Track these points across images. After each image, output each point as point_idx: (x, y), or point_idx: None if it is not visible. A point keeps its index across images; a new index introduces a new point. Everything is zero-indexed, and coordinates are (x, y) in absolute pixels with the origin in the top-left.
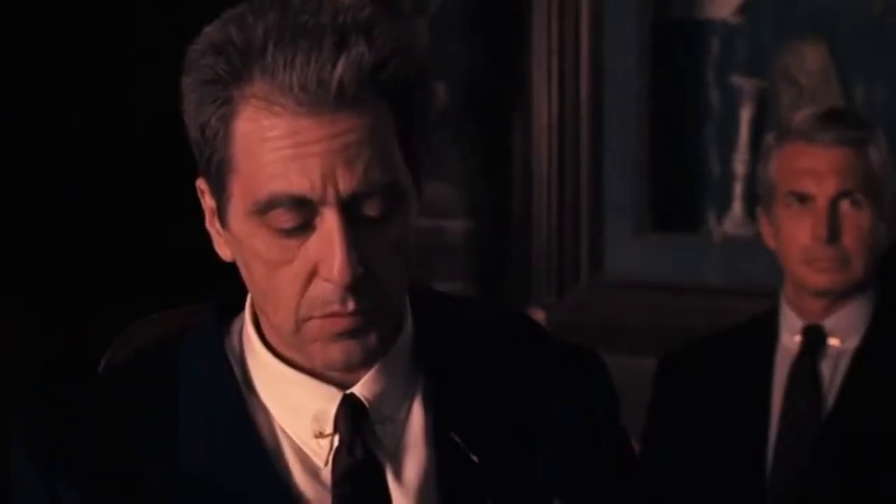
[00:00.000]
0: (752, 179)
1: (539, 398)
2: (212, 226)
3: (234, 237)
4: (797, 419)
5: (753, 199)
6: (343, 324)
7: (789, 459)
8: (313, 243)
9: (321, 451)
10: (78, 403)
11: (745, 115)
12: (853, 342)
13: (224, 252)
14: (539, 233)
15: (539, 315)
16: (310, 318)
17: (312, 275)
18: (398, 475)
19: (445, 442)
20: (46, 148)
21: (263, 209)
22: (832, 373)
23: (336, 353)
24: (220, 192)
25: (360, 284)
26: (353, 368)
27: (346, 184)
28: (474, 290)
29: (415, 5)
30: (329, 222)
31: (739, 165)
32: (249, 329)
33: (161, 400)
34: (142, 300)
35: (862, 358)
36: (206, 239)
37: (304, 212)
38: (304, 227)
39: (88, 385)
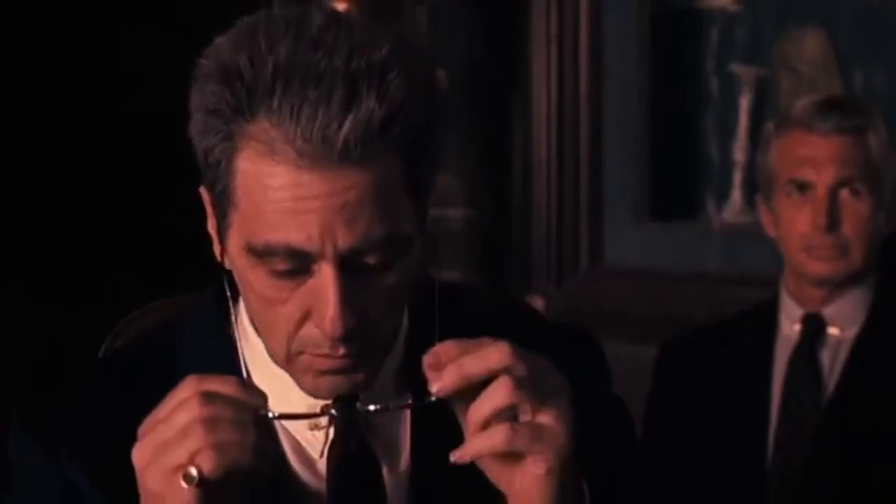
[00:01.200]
0: (751, 167)
1: None
2: (212, 229)
3: (231, 261)
4: (797, 407)
5: (753, 188)
6: (332, 363)
7: (789, 447)
8: (308, 289)
9: (316, 443)
10: (79, 386)
11: (745, 103)
12: (853, 331)
13: (220, 258)
14: (538, 221)
15: (538, 303)
16: (301, 353)
17: (305, 318)
18: (394, 466)
19: (433, 428)
20: (46, 140)
21: (260, 253)
22: (832, 361)
23: (324, 385)
24: (220, 217)
25: (352, 332)
26: (341, 392)
27: (345, 240)
28: (474, 279)
29: None
30: (325, 275)
31: (739, 153)
32: (245, 321)
33: (162, 383)
34: (142, 289)
35: (861, 346)
36: (206, 228)
37: (300, 260)
38: (301, 271)
39: (89, 369)
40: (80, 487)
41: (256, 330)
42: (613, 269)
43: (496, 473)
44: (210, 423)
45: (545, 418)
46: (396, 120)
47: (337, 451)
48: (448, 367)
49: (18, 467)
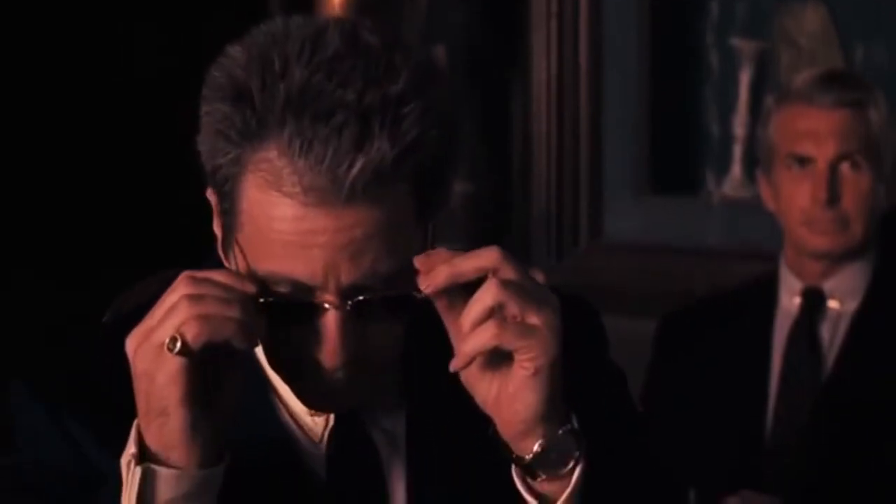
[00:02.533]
0: (751, 141)
1: None
2: (218, 230)
3: (234, 268)
4: (796, 381)
5: (753, 162)
6: (331, 386)
7: (788, 421)
8: (311, 319)
9: (316, 429)
10: (81, 347)
11: (745, 77)
12: (853, 304)
13: (225, 263)
14: (538, 196)
15: (539, 277)
16: (300, 373)
17: (306, 342)
18: (393, 452)
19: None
20: (48, 120)
21: (262, 282)
22: (831, 335)
23: (318, 403)
24: (226, 231)
25: (352, 363)
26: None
27: (348, 276)
28: None
29: None
30: (327, 316)
31: (739, 127)
32: None
33: None
34: (143, 268)
35: (861, 320)
36: (208, 206)
37: (303, 291)
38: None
39: (91, 331)
40: (83, 445)
41: None
42: (613, 244)
43: (483, 385)
44: (195, 299)
45: (533, 319)
46: (409, 157)
47: (336, 440)
48: (439, 266)
49: (20, 427)
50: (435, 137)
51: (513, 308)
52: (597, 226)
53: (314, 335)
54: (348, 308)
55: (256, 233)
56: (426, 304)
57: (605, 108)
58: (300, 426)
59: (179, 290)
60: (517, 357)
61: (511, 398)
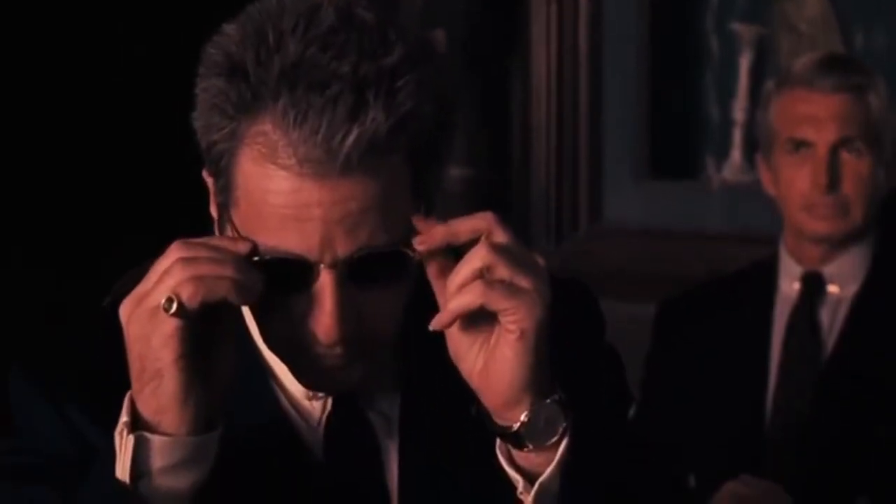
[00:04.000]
0: (751, 126)
1: None
2: (214, 209)
3: None
4: (796, 366)
5: (753, 146)
6: (328, 363)
7: (788, 406)
8: (307, 291)
9: (314, 412)
10: (80, 331)
11: (745, 62)
12: (852, 289)
13: None
14: (538, 180)
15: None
16: (298, 350)
17: (303, 317)
18: (392, 437)
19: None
20: (46, 103)
21: (259, 261)
22: (831, 320)
23: (317, 381)
24: (222, 209)
25: (349, 337)
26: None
27: (345, 249)
28: None
29: None
30: (323, 283)
31: (739, 112)
32: None
33: None
34: (143, 254)
35: (861, 305)
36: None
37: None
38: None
39: (90, 316)
40: (82, 428)
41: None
42: (613, 229)
43: (470, 356)
44: (188, 261)
45: (521, 281)
46: (404, 128)
47: (334, 424)
48: (436, 226)
49: (19, 410)
50: (430, 110)
51: (501, 270)
52: (596, 210)
53: (311, 304)
54: (343, 270)
55: (252, 207)
56: (421, 272)
57: (605, 93)
58: (298, 411)
59: (172, 254)
60: (503, 320)
61: (498, 365)
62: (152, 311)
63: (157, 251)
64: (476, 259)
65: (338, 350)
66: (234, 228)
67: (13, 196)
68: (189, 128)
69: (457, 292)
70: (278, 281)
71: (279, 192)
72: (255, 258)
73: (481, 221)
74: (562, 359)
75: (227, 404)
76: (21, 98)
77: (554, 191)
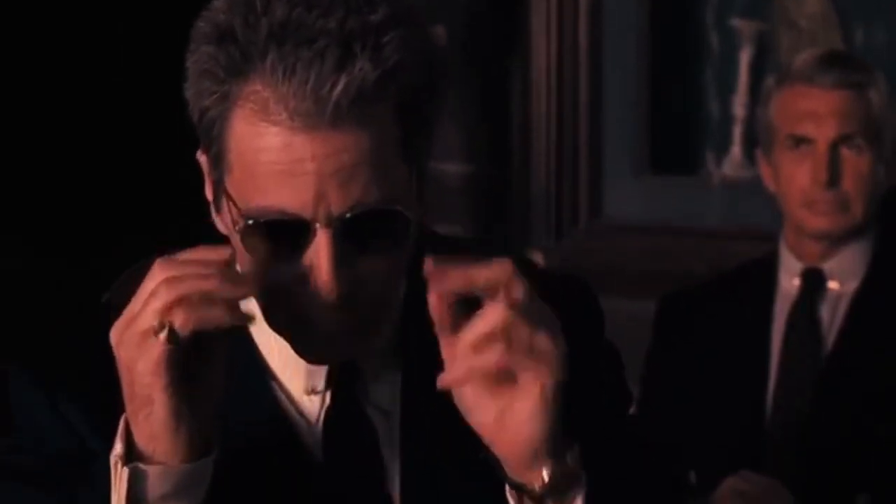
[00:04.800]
0: (751, 122)
1: None
2: (210, 195)
3: (227, 227)
4: (796, 361)
5: (753, 142)
6: (328, 329)
7: (788, 402)
8: (303, 258)
9: (312, 408)
10: (80, 332)
11: (745, 57)
12: (852, 285)
13: (220, 226)
14: (538, 176)
15: (538, 258)
16: (297, 319)
17: (300, 282)
18: (392, 433)
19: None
20: (49, 94)
21: (255, 223)
22: (831, 316)
23: (322, 353)
24: (216, 182)
25: (347, 301)
26: (335, 361)
27: (339, 205)
28: (473, 234)
29: None
30: (319, 241)
31: (739, 108)
32: None
33: None
34: (146, 246)
35: (861, 301)
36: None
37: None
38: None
39: (90, 316)
40: (81, 428)
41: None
42: (613, 224)
43: (481, 407)
44: (174, 281)
45: (541, 342)
46: (391, 80)
47: (332, 419)
48: (452, 270)
49: (18, 410)
50: (416, 67)
51: (521, 331)
52: (596, 206)
53: (308, 266)
54: (339, 228)
55: (245, 170)
56: (418, 268)
57: (605, 89)
58: (296, 408)
59: (157, 274)
60: (522, 379)
61: (516, 423)
62: (141, 336)
63: (157, 250)
64: (495, 318)
65: (336, 314)
66: (230, 199)
67: (13, 194)
68: (190, 127)
69: (472, 350)
70: (275, 244)
71: (271, 149)
72: (250, 221)
73: (500, 273)
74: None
75: (225, 405)
76: (21, 97)
77: (554, 187)
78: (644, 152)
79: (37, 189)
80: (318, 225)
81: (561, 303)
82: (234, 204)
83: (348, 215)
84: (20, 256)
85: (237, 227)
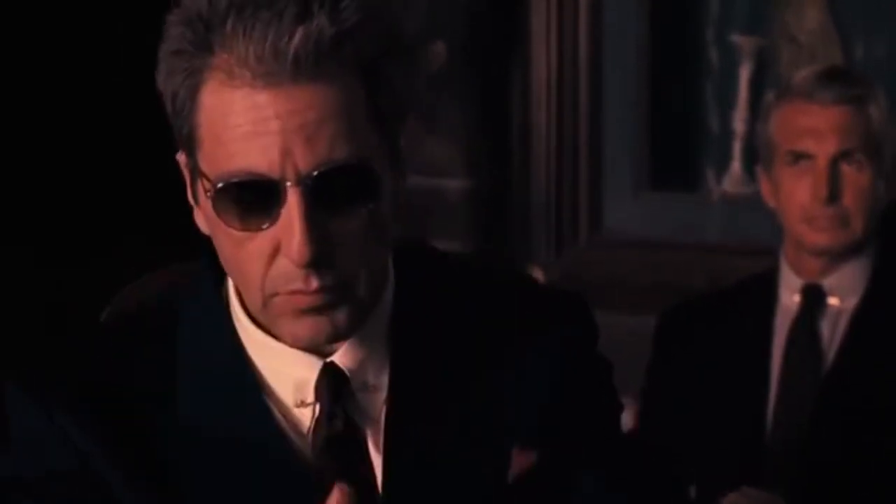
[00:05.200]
0: (751, 138)
1: (515, 344)
2: (192, 199)
3: (204, 211)
4: (797, 377)
5: (753, 158)
6: (307, 301)
7: (789, 418)
8: (276, 221)
9: (303, 420)
10: (79, 347)
11: (745, 73)
12: (852, 301)
13: (202, 225)
14: (538, 191)
15: (538, 273)
16: (275, 294)
17: (276, 252)
18: (381, 443)
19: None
20: (50, 103)
21: (225, 186)
22: (831, 332)
23: (302, 329)
24: (191, 167)
25: (323, 262)
26: (322, 346)
27: (306, 162)
28: (473, 249)
29: None
30: (290, 201)
31: (739, 123)
32: (233, 299)
33: (160, 352)
34: (145, 256)
35: (861, 317)
36: None
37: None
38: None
39: (89, 331)
40: (81, 446)
41: (243, 304)
42: (613, 239)
43: None
44: None
45: None
46: (349, 40)
47: (322, 430)
48: None
49: (17, 425)
50: (374, 30)
51: None
52: (596, 221)
53: (283, 234)
54: (309, 187)
55: (214, 139)
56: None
57: (605, 103)
58: (287, 419)
59: None
60: None
61: None
62: None
63: (156, 255)
64: None
65: (314, 283)
66: (203, 177)
67: (11, 199)
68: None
69: None
70: (246, 206)
71: (237, 112)
72: (220, 185)
73: None
74: (552, 375)
75: (228, 406)
76: (21, 100)
77: (554, 201)
78: (644, 167)
79: (37, 202)
80: (287, 183)
81: (555, 317)
82: (207, 178)
83: (316, 172)
84: (19, 261)
85: (209, 195)
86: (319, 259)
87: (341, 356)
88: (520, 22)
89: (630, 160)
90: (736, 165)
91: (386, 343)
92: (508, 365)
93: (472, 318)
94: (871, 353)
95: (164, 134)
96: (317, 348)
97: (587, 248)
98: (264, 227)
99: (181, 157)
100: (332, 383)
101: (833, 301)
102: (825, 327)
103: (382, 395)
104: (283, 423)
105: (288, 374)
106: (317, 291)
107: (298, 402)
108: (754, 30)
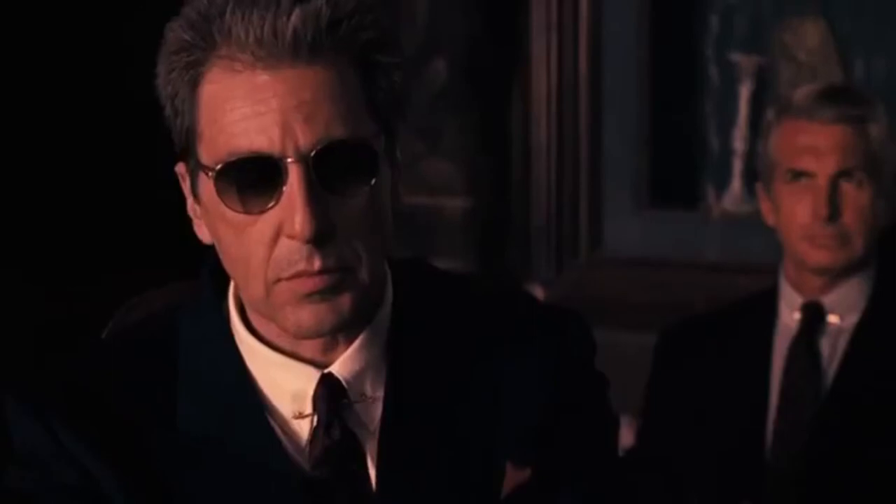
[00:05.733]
0: (751, 156)
1: (512, 358)
2: (192, 211)
3: (205, 209)
4: (796, 395)
5: (753, 176)
6: (311, 284)
7: (789, 436)
8: (277, 200)
9: (301, 432)
10: (78, 363)
11: (745, 91)
12: (852, 319)
13: (203, 234)
14: (538, 209)
15: (538, 291)
16: (278, 281)
17: (278, 235)
18: (378, 454)
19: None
20: (44, 124)
21: (226, 165)
22: (831, 350)
23: (306, 316)
24: (191, 163)
25: (326, 242)
26: (326, 335)
27: (306, 139)
28: (474, 267)
29: None
30: (291, 178)
31: (739, 142)
32: (233, 311)
33: (160, 367)
34: (141, 274)
35: (861, 335)
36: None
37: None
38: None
39: (89, 347)
40: (82, 460)
41: (243, 317)
42: (613, 258)
43: None
44: None
45: None
46: (345, 23)
47: (319, 441)
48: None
49: (17, 441)
50: (368, 21)
51: None
52: (596, 239)
53: (285, 215)
54: (309, 164)
55: (215, 126)
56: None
57: (605, 121)
58: (285, 431)
59: None
60: None
61: None
62: None
63: (155, 273)
64: None
65: (317, 262)
66: (204, 170)
67: (14, 212)
68: None
69: None
70: (248, 188)
71: (238, 97)
72: (219, 166)
73: None
74: (549, 390)
75: (229, 418)
76: (20, 115)
77: (554, 220)
78: (644, 186)
79: (32, 212)
80: (288, 160)
81: (553, 332)
82: (207, 168)
83: (316, 149)
84: (10, 277)
85: (210, 177)
86: (321, 236)
87: (339, 367)
88: (520, 41)
89: (630, 178)
90: (736, 183)
91: (383, 355)
92: (506, 379)
93: (470, 332)
94: (870, 371)
95: (161, 152)
96: (315, 359)
97: (587, 266)
98: (268, 206)
99: (180, 168)
100: (329, 394)
101: (833, 319)
102: (825, 345)
103: (380, 406)
104: (282, 437)
105: (285, 386)
106: (320, 273)
107: (296, 413)
108: (754, 48)
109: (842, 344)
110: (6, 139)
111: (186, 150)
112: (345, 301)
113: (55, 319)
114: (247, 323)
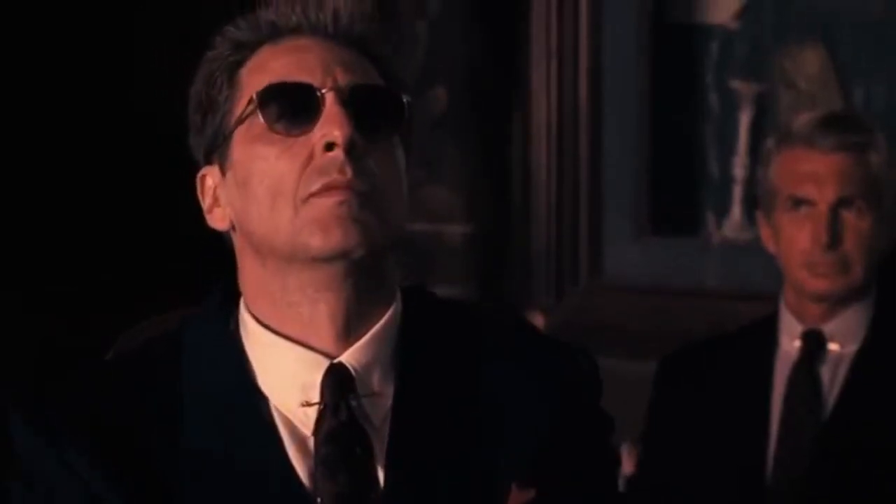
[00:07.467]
0: (751, 183)
1: (517, 382)
2: (210, 213)
3: (236, 176)
4: (797, 424)
5: (753, 203)
6: (340, 195)
7: (789, 464)
8: (314, 124)
9: (308, 421)
10: (82, 380)
11: (745, 118)
12: (853, 347)
13: (223, 221)
14: (538, 235)
15: (538, 318)
16: (308, 199)
17: (312, 156)
18: (380, 449)
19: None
20: (47, 146)
21: (269, 89)
22: (832, 378)
23: (334, 231)
24: (222, 135)
25: (358, 164)
26: (352, 256)
27: (344, 78)
28: (474, 294)
29: (415, 8)
30: (328, 104)
31: (739, 169)
32: (244, 309)
33: (165, 382)
34: (143, 300)
35: (862, 363)
36: (209, 239)
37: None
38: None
39: (93, 366)
40: (88, 480)
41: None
42: (613, 285)
43: None
44: None
45: None
46: (369, 33)
47: (326, 422)
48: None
49: (24, 460)
50: (379, 35)
51: None
52: (596, 266)
53: (322, 131)
54: (346, 96)
55: (256, 77)
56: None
57: (605, 148)
58: (291, 421)
59: None
60: None
61: None
62: None
63: (159, 297)
64: None
65: (349, 171)
66: (243, 123)
67: (16, 236)
68: (195, 171)
69: None
70: (288, 108)
71: (281, 53)
72: (263, 88)
73: None
74: (552, 418)
75: (233, 431)
76: (19, 130)
77: (554, 246)
78: (644, 212)
79: (38, 237)
80: (325, 90)
81: (559, 364)
82: (250, 101)
83: (353, 85)
84: (11, 300)
85: (253, 102)
86: (354, 149)
87: (349, 356)
88: (520, 68)
89: (630, 205)
90: (736, 211)
91: (393, 355)
92: (510, 401)
93: (474, 355)
94: (871, 398)
95: (173, 184)
96: (325, 350)
97: (587, 292)
98: (306, 128)
99: (204, 171)
100: (337, 382)
101: (833, 347)
102: (825, 373)
103: (387, 403)
104: (290, 428)
105: (295, 374)
106: (350, 187)
107: (303, 402)
108: (754, 75)
109: (842, 371)
110: (9, 160)
111: (219, 125)
112: (372, 224)
113: (59, 346)
114: (256, 317)
